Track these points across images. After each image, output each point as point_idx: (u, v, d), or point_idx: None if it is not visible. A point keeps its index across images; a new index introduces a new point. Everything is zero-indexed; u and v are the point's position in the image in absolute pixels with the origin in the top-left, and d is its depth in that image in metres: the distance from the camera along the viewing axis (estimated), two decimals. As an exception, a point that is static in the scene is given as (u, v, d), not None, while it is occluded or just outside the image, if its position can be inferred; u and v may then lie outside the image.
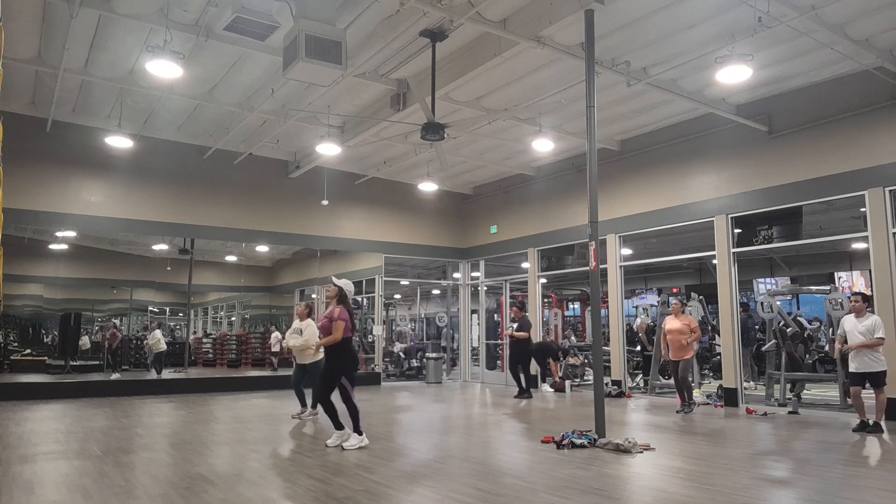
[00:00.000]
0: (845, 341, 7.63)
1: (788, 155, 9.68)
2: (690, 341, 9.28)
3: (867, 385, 7.49)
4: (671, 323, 9.55)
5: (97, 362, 14.88)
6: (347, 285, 6.71)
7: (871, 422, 7.46)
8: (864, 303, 7.63)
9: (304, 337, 8.49)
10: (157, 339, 13.89)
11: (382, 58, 9.02)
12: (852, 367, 7.55)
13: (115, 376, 13.15)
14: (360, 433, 6.51)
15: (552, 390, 12.80)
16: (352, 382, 6.57)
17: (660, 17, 7.73)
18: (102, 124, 11.62)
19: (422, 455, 6.19)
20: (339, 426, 6.59)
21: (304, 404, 8.78)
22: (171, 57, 7.60)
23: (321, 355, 8.64)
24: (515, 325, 11.95)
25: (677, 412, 9.27)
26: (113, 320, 15.05)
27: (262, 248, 16.51)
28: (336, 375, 6.51)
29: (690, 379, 9.83)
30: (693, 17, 7.69)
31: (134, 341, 16.96)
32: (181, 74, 8.33)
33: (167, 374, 14.07)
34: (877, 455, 6.33)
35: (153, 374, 13.52)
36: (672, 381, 9.97)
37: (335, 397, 6.52)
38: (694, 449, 6.49)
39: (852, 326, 7.55)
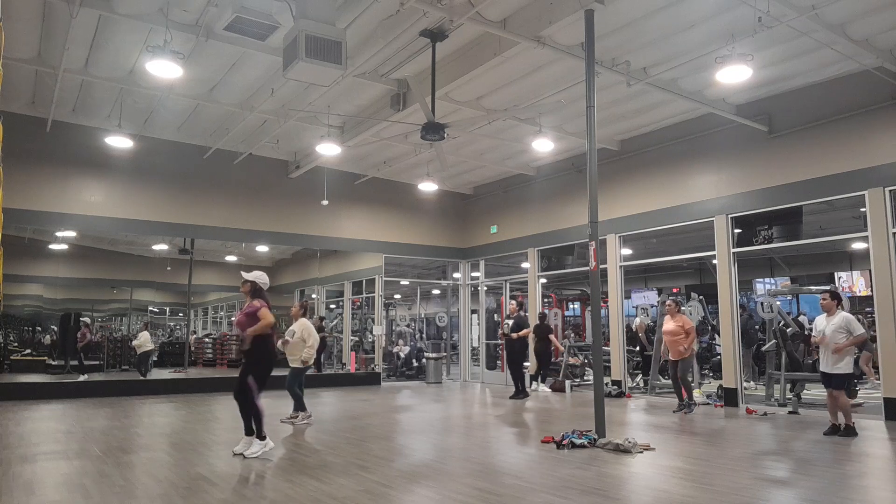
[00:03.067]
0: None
1: (788, 155, 9.68)
2: (686, 347, 9.26)
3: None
4: (666, 324, 9.55)
5: (97, 362, 14.89)
6: (261, 277, 6.29)
7: (843, 425, 7.27)
8: (834, 300, 7.37)
9: (297, 337, 8.34)
10: (143, 340, 13.88)
11: (382, 58, 9.02)
12: (822, 367, 7.33)
13: (81, 378, 13.02)
14: (262, 438, 6.07)
15: (549, 390, 12.78)
16: (260, 384, 6.11)
17: (660, 17, 7.74)
18: (102, 124, 11.62)
19: (422, 455, 6.19)
20: (250, 431, 6.11)
21: (298, 408, 8.62)
22: (171, 57, 7.60)
23: (313, 357, 8.58)
24: (511, 323, 11.88)
25: (674, 412, 9.28)
26: (82, 319, 15.01)
27: (262, 248, 16.52)
28: (248, 374, 6.08)
29: (690, 378, 9.82)
30: (693, 17, 7.69)
31: (132, 342, 16.97)
32: (181, 74, 8.32)
33: (167, 374, 14.08)
34: (876, 455, 6.32)
35: (139, 375, 13.49)
36: (671, 381, 9.96)
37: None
38: (694, 449, 6.49)
39: (823, 325, 7.34)
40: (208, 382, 13.19)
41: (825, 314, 7.42)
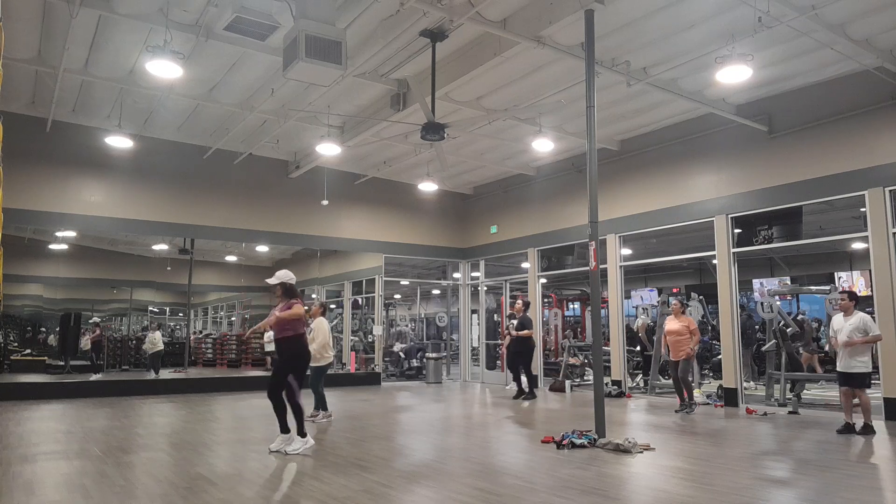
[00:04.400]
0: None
1: (788, 155, 9.68)
2: (692, 347, 9.27)
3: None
4: (671, 324, 9.55)
5: (89, 363, 14.89)
6: (286, 275, 6.28)
7: (856, 425, 7.35)
8: (852, 301, 7.46)
9: (313, 336, 8.31)
10: (153, 340, 13.89)
11: (382, 58, 9.02)
12: (839, 367, 7.44)
13: (94, 377, 13.08)
14: (304, 436, 6.19)
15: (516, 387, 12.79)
16: (300, 381, 6.24)
17: (660, 17, 7.74)
18: (102, 124, 11.62)
19: (422, 455, 6.19)
20: (285, 429, 6.21)
21: (319, 407, 8.60)
22: (171, 57, 7.60)
23: (330, 358, 8.57)
24: (515, 323, 11.87)
25: (676, 412, 9.28)
26: (94, 319, 15.04)
27: (262, 248, 16.52)
28: (285, 372, 6.20)
29: (690, 379, 9.82)
30: (693, 17, 7.69)
31: (133, 342, 16.98)
32: (181, 74, 8.32)
33: (167, 374, 14.08)
34: (876, 455, 6.33)
35: (151, 374, 13.55)
36: (672, 381, 9.96)
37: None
38: (694, 449, 6.49)
39: (840, 325, 7.43)
40: (208, 382, 13.20)
41: (842, 314, 7.51)
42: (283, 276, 6.30)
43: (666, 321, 9.91)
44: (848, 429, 7.36)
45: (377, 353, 15.40)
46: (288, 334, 6.22)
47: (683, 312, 9.66)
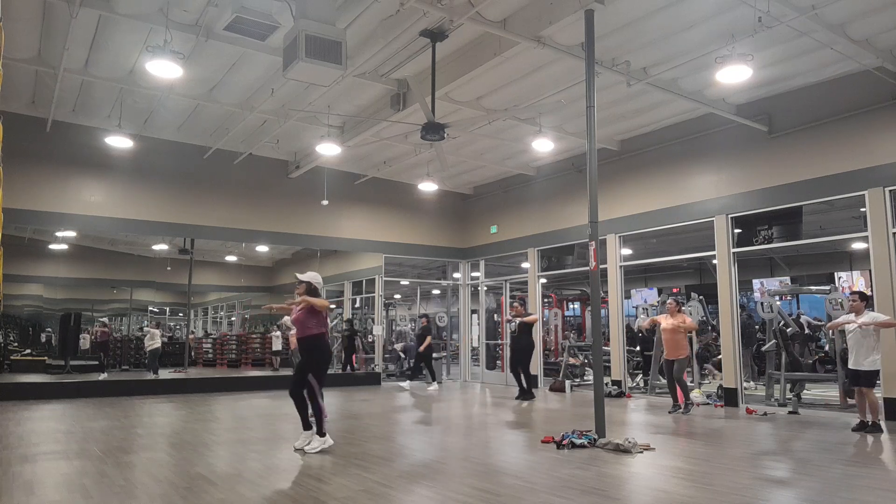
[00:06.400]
0: (845, 339, 7.71)
1: (788, 155, 9.68)
2: (683, 328, 9.27)
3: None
4: (666, 323, 9.55)
5: (97, 362, 14.90)
6: (315, 278, 6.38)
7: (869, 422, 7.50)
8: (863, 301, 7.67)
9: None
10: (152, 336, 13.92)
11: (382, 58, 9.03)
12: (850, 364, 7.61)
13: (101, 377, 13.14)
14: (322, 435, 6.26)
15: (407, 387, 12.99)
16: (320, 381, 6.28)
17: (660, 17, 7.74)
18: (102, 124, 11.62)
19: (422, 455, 6.19)
20: (308, 426, 6.31)
21: None
22: (171, 57, 7.60)
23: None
24: (518, 321, 11.85)
25: (669, 412, 9.23)
26: (101, 319, 15.08)
27: (262, 248, 16.53)
28: (306, 371, 6.24)
29: (690, 381, 9.79)
30: (693, 17, 7.69)
31: (134, 341, 16.98)
32: (181, 74, 8.33)
33: (167, 374, 14.08)
34: (876, 455, 6.33)
35: (151, 375, 13.56)
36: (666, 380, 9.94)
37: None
38: (694, 449, 6.49)
39: (852, 325, 7.61)
40: (208, 382, 13.19)
41: (853, 314, 7.68)
42: (313, 278, 6.41)
43: (661, 320, 9.89)
44: (862, 426, 7.49)
45: (377, 353, 15.39)
46: (311, 333, 6.28)
47: (679, 311, 9.64)
